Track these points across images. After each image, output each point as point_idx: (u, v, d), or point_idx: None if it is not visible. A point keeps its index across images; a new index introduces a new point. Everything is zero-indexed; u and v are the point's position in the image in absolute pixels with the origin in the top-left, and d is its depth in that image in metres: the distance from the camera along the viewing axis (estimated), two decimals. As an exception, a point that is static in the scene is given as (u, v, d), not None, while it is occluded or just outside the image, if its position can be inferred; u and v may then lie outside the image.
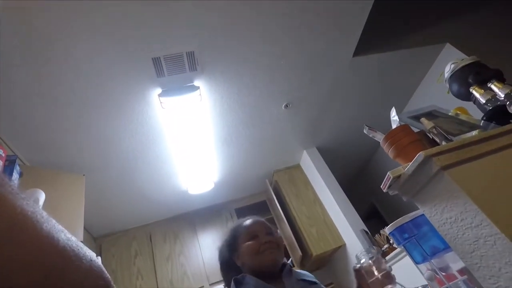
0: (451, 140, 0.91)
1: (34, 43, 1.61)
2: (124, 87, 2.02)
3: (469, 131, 0.98)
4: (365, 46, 2.57)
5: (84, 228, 2.47)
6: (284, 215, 3.15)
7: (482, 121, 1.05)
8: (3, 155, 1.37)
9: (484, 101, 1.12)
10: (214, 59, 2.08)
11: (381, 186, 0.94)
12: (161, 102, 2.16)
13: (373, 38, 2.62)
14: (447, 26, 2.91)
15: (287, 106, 2.73)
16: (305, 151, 3.50)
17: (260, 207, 3.78)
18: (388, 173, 0.89)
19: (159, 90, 2.12)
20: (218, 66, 2.14)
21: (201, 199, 3.50)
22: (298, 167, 3.68)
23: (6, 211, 0.22)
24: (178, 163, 2.84)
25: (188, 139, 2.60)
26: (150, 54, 1.88)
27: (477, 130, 0.98)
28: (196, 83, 2.19)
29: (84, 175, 2.20)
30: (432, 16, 2.95)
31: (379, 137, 1.00)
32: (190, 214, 3.63)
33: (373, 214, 4.43)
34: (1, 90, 1.71)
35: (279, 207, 3.21)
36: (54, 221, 0.26)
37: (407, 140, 0.92)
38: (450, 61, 1.50)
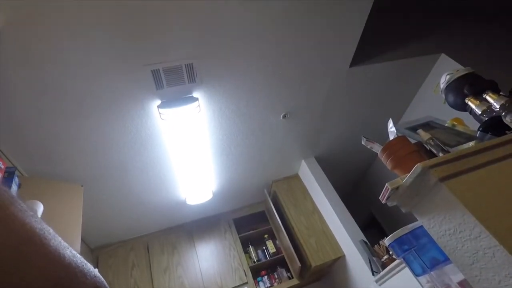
0: (448, 151, 0.92)
1: (33, 55, 1.63)
2: (123, 98, 2.03)
3: (466, 142, 0.99)
4: (362, 56, 2.61)
5: (82, 239, 2.45)
6: (283, 225, 3.13)
7: (478, 132, 1.06)
8: (2, 167, 1.37)
9: (479, 112, 1.14)
10: (212, 71, 2.10)
11: (380, 198, 0.94)
12: (160, 113, 2.17)
13: (369, 49, 2.66)
14: (442, 37, 2.96)
15: (285, 116, 2.75)
16: (303, 161, 3.50)
17: (258, 218, 3.75)
18: (386, 184, 0.89)
19: (158, 102, 2.13)
20: (216, 77, 2.16)
21: (199, 210, 3.48)
22: (296, 177, 3.68)
23: (16, 228, 0.23)
24: (176, 173, 2.83)
25: (187, 149, 2.60)
26: (149, 67, 1.90)
27: (474, 141, 0.99)
28: (195, 94, 2.21)
29: (82, 185, 2.19)
30: (427, 27, 3.02)
31: (377, 148, 1.01)
32: (188, 225, 3.60)
33: (372, 223, 4.41)
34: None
35: (277, 217, 3.19)
36: (60, 238, 0.27)
37: (405, 151, 0.93)
38: (445, 72, 1.53)
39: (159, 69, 1.93)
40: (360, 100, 3.03)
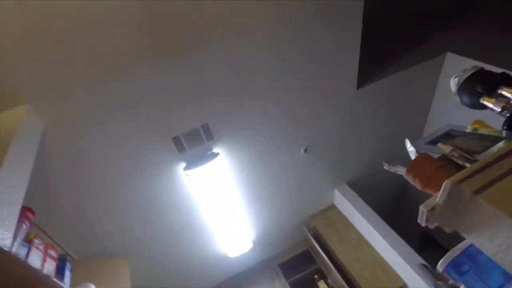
0: (475, 160, 0.88)
1: (74, 150, 1.81)
2: (152, 167, 2.15)
3: (492, 145, 0.95)
4: (367, 76, 2.64)
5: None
6: (331, 262, 2.97)
7: (504, 131, 1.01)
8: (55, 255, 1.47)
9: (499, 110, 1.10)
10: (227, 126, 2.21)
11: (418, 221, 0.90)
12: (187, 175, 2.26)
13: (373, 67, 2.70)
14: (443, 37, 2.95)
15: (306, 150, 2.76)
16: (336, 190, 3.41)
17: (304, 258, 3.59)
18: (420, 207, 0.86)
19: (183, 164, 2.23)
20: (231, 130, 2.26)
21: (242, 261, 3.40)
22: (333, 207, 3.55)
23: None
24: (213, 229, 2.85)
25: (218, 203, 2.63)
26: (170, 135, 2.03)
27: (502, 142, 0.94)
28: (216, 150, 2.30)
29: (126, 258, 2.26)
30: (424, 31, 3.03)
31: (401, 170, 0.99)
32: (234, 279, 3.51)
33: (428, 242, 4.05)
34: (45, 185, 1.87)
35: (323, 254, 3.05)
36: None
37: (430, 169, 0.90)
38: (452, 75, 1.51)
39: (178, 136, 2.06)
40: (376, 119, 3.00)
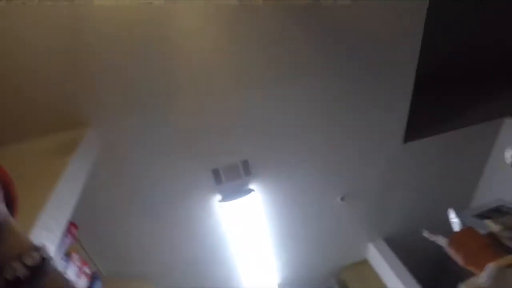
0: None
1: (123, 177, 1.98)
2: (188, 197, 2.25)
3: (549, 231, 0.87)
4: (416, 131, 2.55)
5: None
6: (359, 324, 2.73)
7: None
8: (89, 272, 1.55)
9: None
10: (266, 164, 2.27)
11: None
12: (221, 207, 2.32)
13: (424, 122, 2.61)
14: (504, 100, 2.79)
15: (343, 198, 2.69)
16: (371, 244, 3.21)
17: (329, 312, 3.34)
18: (460, 285, 0.81)
19: (218, 197, 2.30)
20: (270, 169, 2.31)
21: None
22: (366, 262, 3.32)
23: None
24: (239, 266, 2.82)
25: (248, 241, 2.63)
26: (210, 166, 2.14)
27: (560, 229, 0.87)
28: (251, 186, 2.35)
29: (153, 282, 2.31)
30: (485, 90, 2.88)
31: (442, 241, 0.94)
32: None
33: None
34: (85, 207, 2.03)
35: (350, 313, 2.82)
36: None
37: (475, 246, 0.85)
38: (509, 146, 1.44)
39: (218, 168, 2.16)
40: (421, 178, 2.85)
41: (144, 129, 1.84)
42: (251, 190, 2.35)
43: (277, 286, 3.13)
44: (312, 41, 1.82)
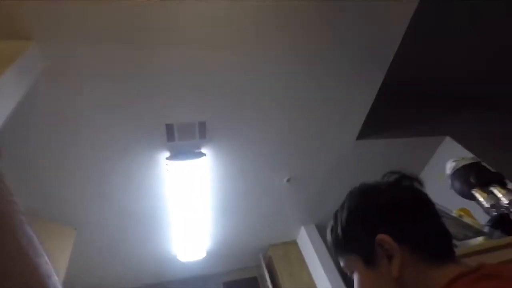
0: (455, 246, 0.89)
1: (62, 113, 1.74)
2: (134, 146, 2.08)
3: (474, 237, 0.96)
4: (368, 130, 2.68)
5: (64, 283, 2.28)
6: (276, 296, 2.90)
7: (487, 227, 1.04)
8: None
9: (488, 206, 1.13)
10: (223, 130, 2.18)
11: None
12: (166, 165, 2.19)
13: (377, 124, 2.75)
14: (450, 120, 3.06)
15: (289, 180, 2.75)
16: (303, 227, 3.38)
17: (250, 283, 3.50)
18: None
19: (167, 154, 2.17)
20: (226, 136, 2.23)
21: (189, 268, 3.29)
22: (294, 243, 3.51)
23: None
24: (172, 226, 2.75)
25: (186, 203, 2.56)
26: (164, 120, 1.98)
27: (482, 237, 0.96)
28: (203, 150, 2.26)
29: (75, 229, 2.13)
30: (435, 110, 3.13)
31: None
32: (175, 283, 3.36)
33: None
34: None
35: (270, 286, 2.98)
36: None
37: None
38: (451, 159, 1.56)
39: (173, 124, 2.01)
40: (363, 175, 3.01)
41: (97, 59, 1.60)
42: (202, 154, 2.26)
43: (205, 252, 3.14)
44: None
